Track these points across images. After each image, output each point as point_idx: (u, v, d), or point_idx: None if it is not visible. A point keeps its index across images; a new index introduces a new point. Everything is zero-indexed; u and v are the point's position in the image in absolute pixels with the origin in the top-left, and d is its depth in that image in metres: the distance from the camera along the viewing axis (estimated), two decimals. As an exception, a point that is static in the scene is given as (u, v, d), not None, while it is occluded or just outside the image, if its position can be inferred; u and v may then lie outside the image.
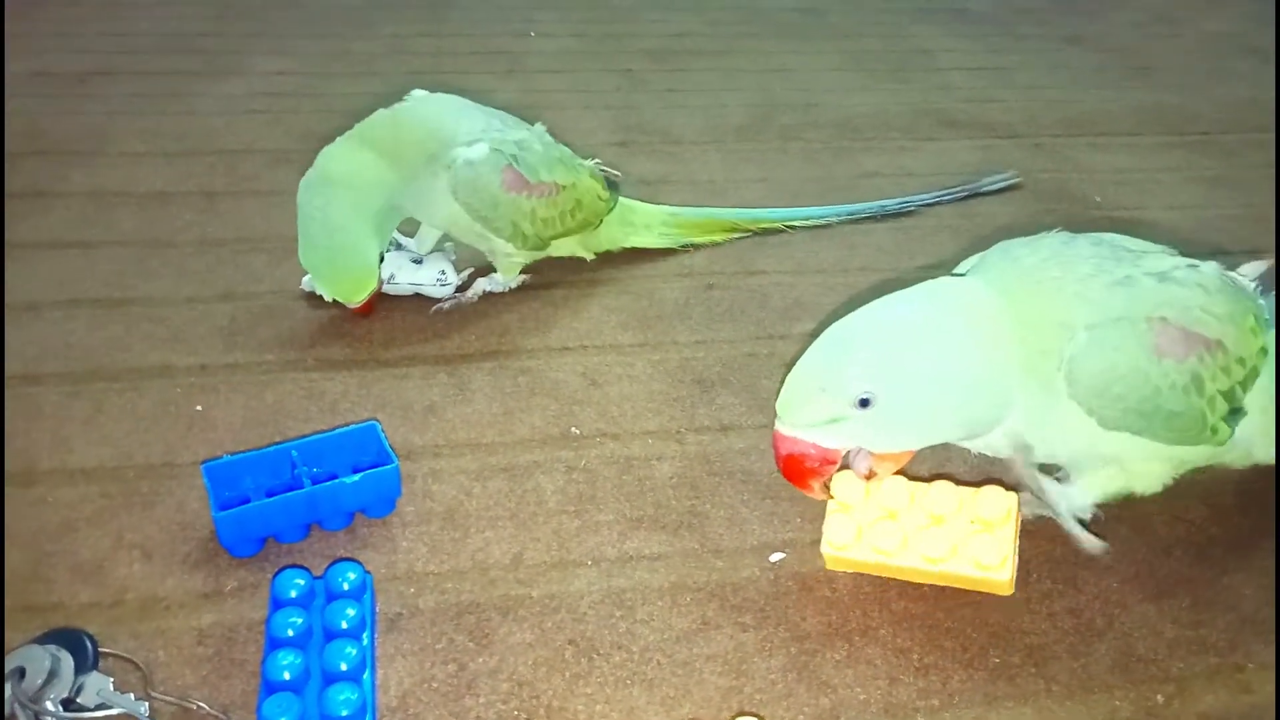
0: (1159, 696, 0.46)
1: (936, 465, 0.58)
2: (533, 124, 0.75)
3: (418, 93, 0.73)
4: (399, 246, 0.78)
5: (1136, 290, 0.48)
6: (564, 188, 0.72)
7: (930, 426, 0.48)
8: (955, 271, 0.54)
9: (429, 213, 0.73)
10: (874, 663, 0.47)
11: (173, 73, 1.20)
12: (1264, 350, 0.50)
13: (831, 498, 0.51)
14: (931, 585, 0.51)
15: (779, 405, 0.49)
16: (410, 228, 0.78)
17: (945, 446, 0.51)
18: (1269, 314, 0.52)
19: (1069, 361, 0.47)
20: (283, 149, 0.99)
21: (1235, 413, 0.50)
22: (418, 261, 0.76)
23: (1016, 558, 0.50)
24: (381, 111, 0.71)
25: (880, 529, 0.50)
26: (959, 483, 0.51)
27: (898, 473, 0.51)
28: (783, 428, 0.49)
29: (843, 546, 0.50)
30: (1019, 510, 0.50)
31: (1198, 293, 0.48)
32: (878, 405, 0.46)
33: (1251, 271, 0.54)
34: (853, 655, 0.47)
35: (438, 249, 0.78)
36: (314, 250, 0.69)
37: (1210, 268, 0.51)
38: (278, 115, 1.08)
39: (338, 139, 0.71)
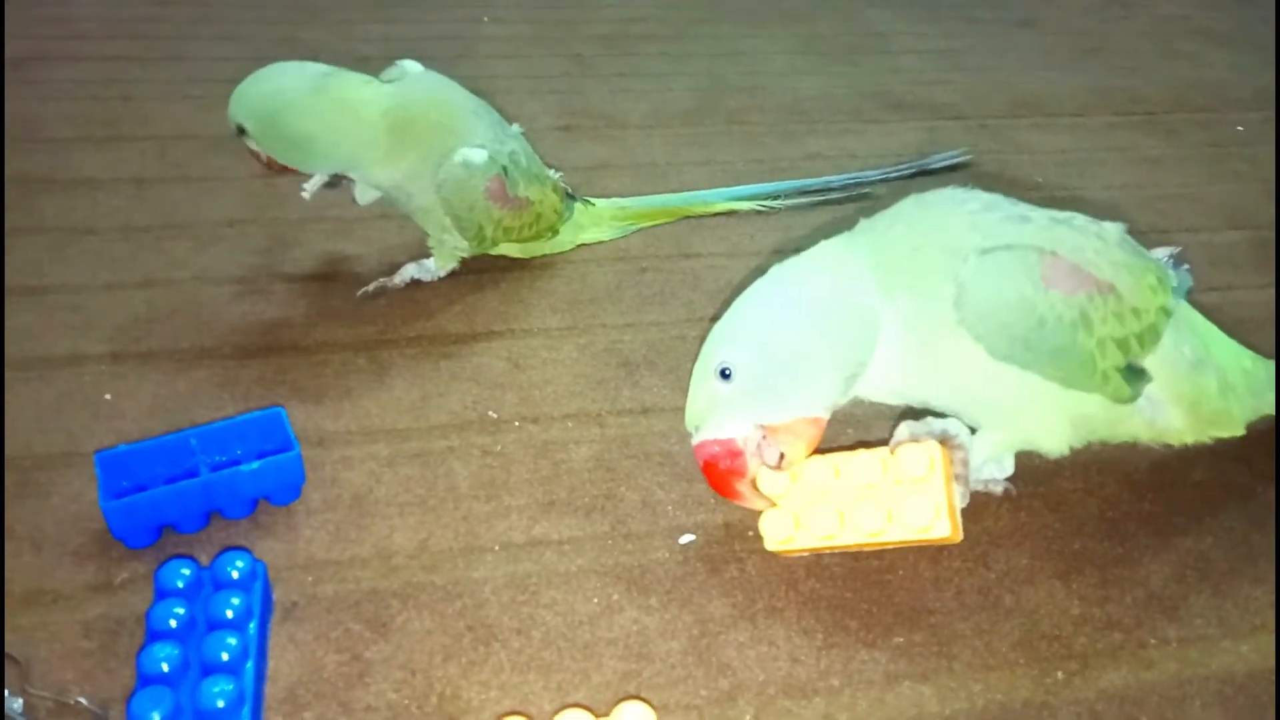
0: (1059, 673, 0.45)
1: (857, 435, 0.58)
2: (510, 124, 0.75)
3: (407, 64, 0.73)
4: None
5: (1030, 227, 0.48)
6: (532, 203, 0.73)
7: (799, 381, 0.47)
8: None
9: (399, 194, 0.72)
10: (776, 643, 0.46)
11: (110, 58, 1.18)
12: (1164, 310, 0.50)
13: (773, 505, 0.50)
14: (841, 565, 0.50)
15: (686, 417, 0.49)
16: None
17: (862, 421, 0.50)
18: (1175, 283, 0.52)
19: (959, 286, 0.46)
20: (218, 135, 0.96)
21: (1135, 372, 0.49)
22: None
23: (958, 501, 0.49)
24: (413, 70, 0.71)
25: (815, 514, 0.49)
26: (880, 443, 0.51)
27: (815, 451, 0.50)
28: (694, 437, 0.49)
29: (786, 540, 0.50)
30: (947, 457, 0.48)
31: (1093, 239, 0.49)
32: (738, 373, 0.47)
33: (1160, 253, 0.54)
34: (756, 636, 0.47)
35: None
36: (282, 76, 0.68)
37: (1113, 226, 0.51)
38: (215, 101, 1.04)
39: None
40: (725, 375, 0.47)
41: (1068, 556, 0.52)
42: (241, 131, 0.69)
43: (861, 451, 0.50)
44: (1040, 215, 0.50)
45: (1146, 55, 1.33)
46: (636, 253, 0.81)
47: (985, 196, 0.51)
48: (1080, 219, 0.50)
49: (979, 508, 0.54)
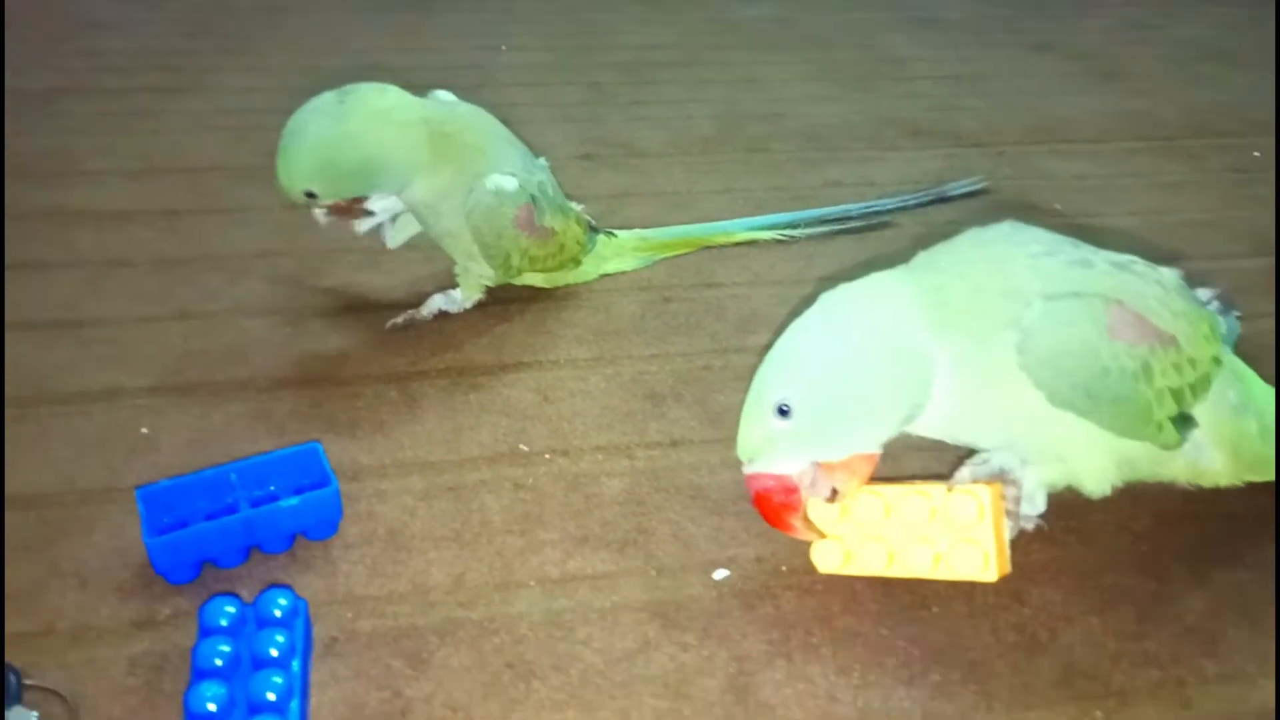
0: (1098, 711, 0.45)
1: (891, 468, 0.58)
2: (537, 157, 0.76)
3: (441, 94, 0.74)
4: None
5: (1094, 273, 0.48)
6: (557, 233, 0.74)
7: (858, 421, 0.47)
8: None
9: (430, 213, 0.73)
10: (814, 681, 0.47)
11: (141, 90, 1.20)
12: (1216, 360, 0.50)
13: (823, 536, 0.50)
14: (876, 600, 0.51)
15: (737, 447, 0.49)
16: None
17: (892, 454, 0.50)
18: (1224, 330, 0.52)
19: (1024, 331, 0.46)
20: (247, 165, 0.98)
21: (1185, 420, 0.49)
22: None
23: (1007, 535, 0.50)
24: (446, 100, 0.74)
25: (864, 550, 0.50)
26: (931, 478, 0.51)
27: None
28: (746, 468, 0.49)
29: (838, 569, 0.51)
30: (997, 499, 0.49)
31: (1154, 287, 0.49)
32: (797, 411, 0.47)
33: (1204, 294, 0.54)
34: (793, 674, 0.47)
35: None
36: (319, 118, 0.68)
37: (1170, 272, 0.52)
38: (244, 132, 1.08)
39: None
40: (784, 412, 0.47)
41: (1103, 591, 0.52)
42: (311, 196, 0.69)
43: (912, 493, 0.50)
44: (1101, 260, 0.49)
45: (1165, 79, 1.34)
46: (659, 282, 0.82)
47: (1046, 237, 0.51)
48: (1140, 264, 0.50)
49: (1012, 543, 0.54)
